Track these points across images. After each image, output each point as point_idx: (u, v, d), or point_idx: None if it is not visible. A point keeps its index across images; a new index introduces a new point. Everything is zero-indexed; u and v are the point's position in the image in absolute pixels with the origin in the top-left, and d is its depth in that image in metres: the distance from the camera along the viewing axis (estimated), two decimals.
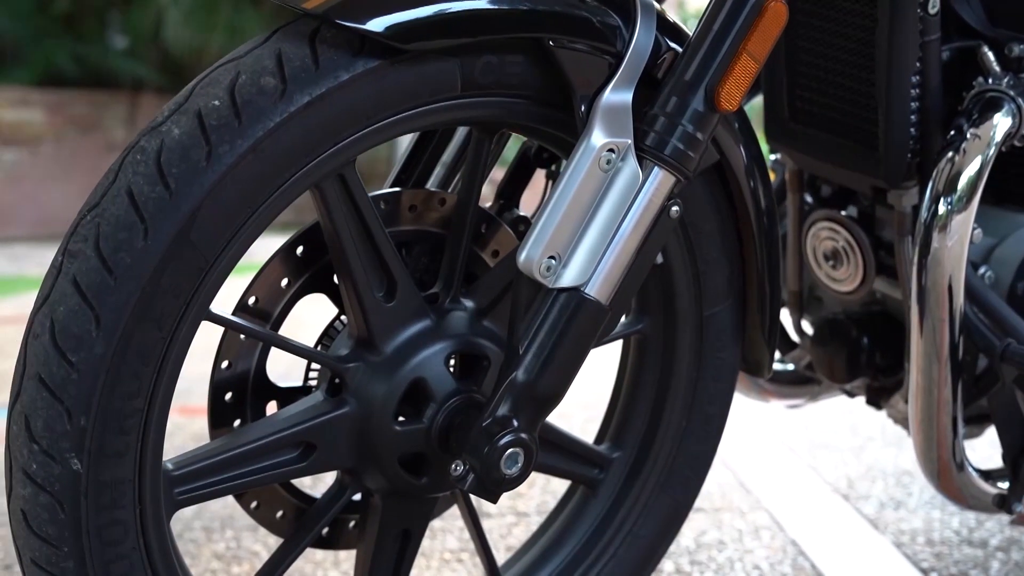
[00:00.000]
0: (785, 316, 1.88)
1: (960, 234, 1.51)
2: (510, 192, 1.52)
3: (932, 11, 1.52)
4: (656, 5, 1.35)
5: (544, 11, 1.27)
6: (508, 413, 1.28)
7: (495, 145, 1.40)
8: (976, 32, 1.59)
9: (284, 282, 1.35)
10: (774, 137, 1.70)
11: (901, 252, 1.61)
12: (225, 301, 1.25)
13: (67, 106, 9.85)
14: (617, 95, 1.28)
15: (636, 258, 1.31)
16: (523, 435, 1.28)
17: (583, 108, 1.28)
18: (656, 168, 1.29)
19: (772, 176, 1.86)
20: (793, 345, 1.90)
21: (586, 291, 1.28)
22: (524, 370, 1.28)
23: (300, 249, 1.35)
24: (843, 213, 1.71)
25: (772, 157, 1.85)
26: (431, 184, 1.49)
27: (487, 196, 1.47)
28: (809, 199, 1.76)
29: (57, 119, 9.82)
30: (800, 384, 1.96)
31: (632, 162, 1.28)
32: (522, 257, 1.27)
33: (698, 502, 2.26)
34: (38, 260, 9.44)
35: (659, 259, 1.46)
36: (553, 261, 1.27)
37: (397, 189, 1.40)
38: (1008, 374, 1.53)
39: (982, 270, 1.64)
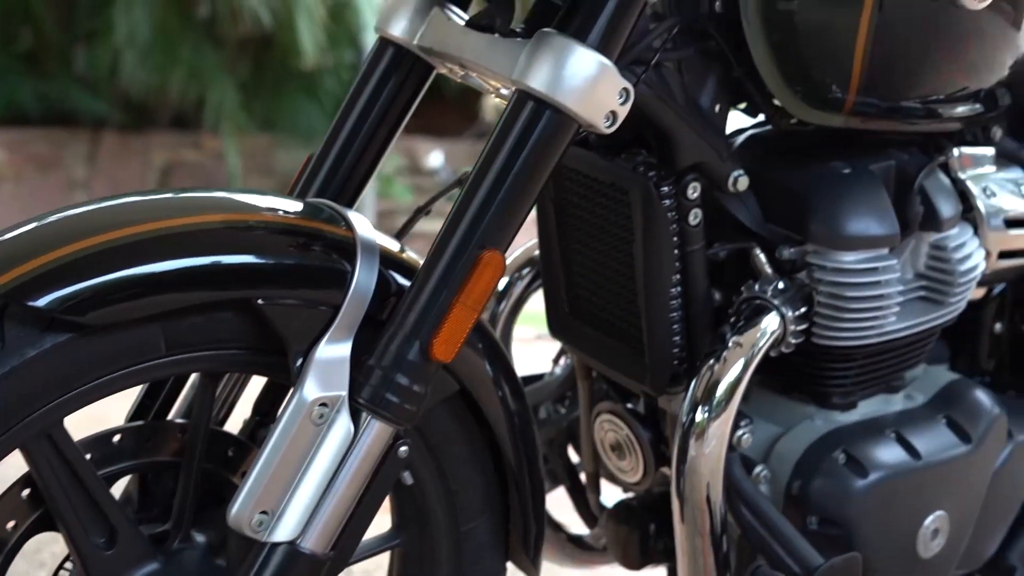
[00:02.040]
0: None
1: (718, 441, 1.51)
2: (266, 408, 1.51)
3: (694, 222, 1.52)
4: (380, 243, 1.33)
5: (251, 267, 1.26)
6: None
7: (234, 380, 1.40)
8: (751, 231, 1.58)
9: (11, 524, 1.34)
10: (555, 330, 1.70)
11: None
12: None
13: (27, 145, 9.82)
14: (332, 347, 1.27)
15: (360, 503, 1.30)
16: None
17: (297, 363, 1.27)
18: (372, 420, 1.28)
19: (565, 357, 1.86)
20: (595, 521, 1.89)
21: (300, 545, 1.27)
22: None
23: (25, 492, 1.34)
24: (628, 406, 1.70)
25: None
26: (176, 413, 1.48)
27: None
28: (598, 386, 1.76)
29: (17, 158, 9.79)
30: None
31: (345, 416, 1.27)
32: (232, 513, 1.26)
33: None
34: None
35: (409, 480, 1.45)
36: (265, 516, 1.26)
37: (136, 423, 1.39)
38: None
39: (758, 468, 1.62)
